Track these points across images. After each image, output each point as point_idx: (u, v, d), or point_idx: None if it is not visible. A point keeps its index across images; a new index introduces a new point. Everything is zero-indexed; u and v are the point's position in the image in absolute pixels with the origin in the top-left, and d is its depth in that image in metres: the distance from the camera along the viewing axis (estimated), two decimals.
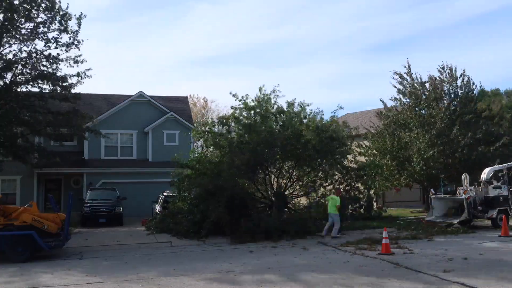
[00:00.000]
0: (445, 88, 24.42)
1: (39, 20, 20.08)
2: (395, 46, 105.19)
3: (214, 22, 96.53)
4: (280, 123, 19.62)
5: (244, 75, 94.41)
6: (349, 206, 21.47)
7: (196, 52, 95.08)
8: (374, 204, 23.18)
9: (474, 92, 24.73)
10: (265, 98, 19.56)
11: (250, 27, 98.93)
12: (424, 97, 24.42)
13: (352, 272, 9.76)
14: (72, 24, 20.62)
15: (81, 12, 20.78)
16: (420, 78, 24.95)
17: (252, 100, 19.65)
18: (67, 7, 20.51)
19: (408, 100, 25.17)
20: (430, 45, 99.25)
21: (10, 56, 19.94)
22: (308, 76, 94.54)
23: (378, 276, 9.25)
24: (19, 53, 20.16)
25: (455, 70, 24.55)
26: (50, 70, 20.39)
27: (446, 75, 24.58)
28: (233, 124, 19.81)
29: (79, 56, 20.91)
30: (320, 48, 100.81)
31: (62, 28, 20.43)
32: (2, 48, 19.74)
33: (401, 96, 25.57)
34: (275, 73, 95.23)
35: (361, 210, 21.39)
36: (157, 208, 21.85)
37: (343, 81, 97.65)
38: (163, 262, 11.68)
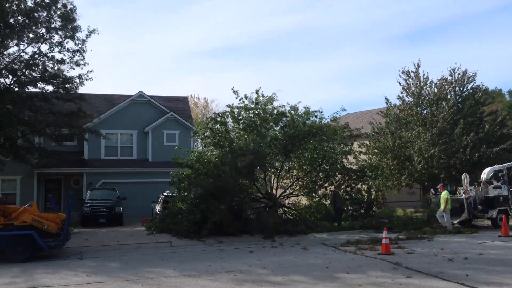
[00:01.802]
0: (454, 89, 24.35)
1: (52, 25, 20.24)
2: (416, 37, 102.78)
3: (219, 12, 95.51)
4: (281, 124, 19.71)
5: (249, 68, 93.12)
6: (349, 207, 21.57)
7: (200, 44, 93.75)
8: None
9: (481, 94, 24.65)
10: (263, 100, 19.63)
11: (257, 17, 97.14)
12: (428, 97, 24.39)
13: (352, 272, 9.76)
14: (82, 35, 20.90)
15: (97, 28, 21.06)
16: (427, 77, 24.94)
17: (252, 102, 19.71)
18: (78, 17, 20.78)
19: (411, 99, 25.17)
20: (452, 35, 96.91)
21: (14, 56, 20.07)
22: (319, 70, 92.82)
23: (378, 276, 9.25)
24: (23, 53, 20.30)
25: (466, 73, 24.44)
26: (54, 71, 20.49)
27: (456, 76, 24.45)
28: (230, 123, 19.88)
29: (82, 59, 21.09)
30: (335, 40, 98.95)
31: (69, 34, 20.53)
32: (4, 49, 19.79)
33: (404, 94, 25.59)
34: (286, 66, 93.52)
35: (362, 211, 21.42)
36: (157, 208, 21.86)
37: (357, 76, 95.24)
38: (163, 262, 11.67)
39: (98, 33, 20.97)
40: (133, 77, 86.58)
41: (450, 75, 24.56)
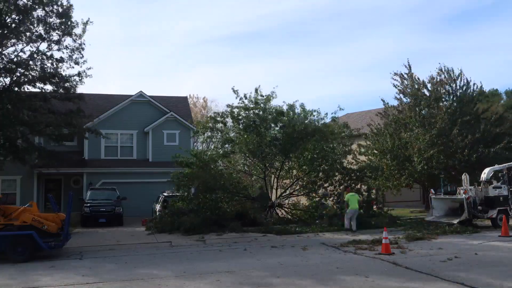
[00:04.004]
0: (446, 88, 24.43)
1: (49, 21, 20.19)
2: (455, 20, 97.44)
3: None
4: (281, 124, 19.76)
5: (262, 58, 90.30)
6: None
7: (209, 31, 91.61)
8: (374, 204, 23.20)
9: (474, 92, 24.73)
10: (262, 99, 19.69)
11: None
12: (424, 97, 24.44)
13: (352, 272, 9.76)
14: (78, 29, 20.84)
15: (88, 18, 20.94)
16: (419, 78, 25.04)
17: (251, 101, 19.76)
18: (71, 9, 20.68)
19: (408, 100, 25.20)
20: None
21: (12, 56, 20.06)
22: (345, 58, 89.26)
23: (378, 276, 9.24)
24: (21, 53, 20.29)
25: (453, 72, 24.60)
26: (53, 71, 20.47)
27: (445, 76, 24.60)
28: (230, 122, 20.00)
29: (81, 57, 21.07)
30: (366, 23, 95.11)
31: (66, 31, 20.51)
32: (4, 49, 19.79)
33: (402, 96, 25.62)
34: (309, 53, 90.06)
35: (361, 210, 21.40)
36: (157, 208, 21.88)
37: (389, 63, 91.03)
38: (163, 262, 11.67)
39: (92, 23, 20.84)
40: (136, 71, 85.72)
41: (439, 75, 24.65)
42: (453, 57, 79.71)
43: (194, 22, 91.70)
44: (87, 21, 20.77)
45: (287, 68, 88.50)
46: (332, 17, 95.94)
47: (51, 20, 20.22)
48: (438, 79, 24.49)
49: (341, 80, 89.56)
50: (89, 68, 21.30)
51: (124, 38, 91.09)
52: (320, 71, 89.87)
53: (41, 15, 20.02)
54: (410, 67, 25.09)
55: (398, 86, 25.59)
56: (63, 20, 20.23)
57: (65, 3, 20.31)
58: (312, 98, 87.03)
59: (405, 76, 25.25)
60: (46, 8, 19.91)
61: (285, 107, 20.23)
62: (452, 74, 24.49)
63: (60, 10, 20.17)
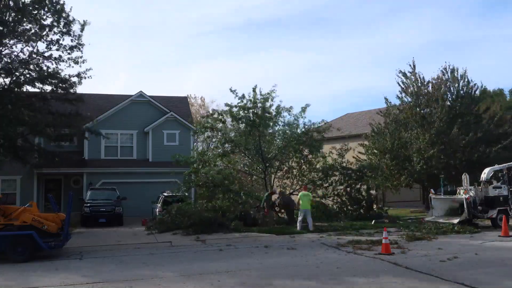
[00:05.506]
0: (447, 88, 24.43)
1: (45, 23, 20.13)
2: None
3: None
4: (280, 124, 19.92)
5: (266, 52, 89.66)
6: (349, 207, 21.60)
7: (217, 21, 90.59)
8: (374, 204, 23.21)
9: (476, 92, 24.74)
10: (262, 98, 19.77)
11: None
12: (426, 97, 24.43)
13: (352, 272, 9.76)
14: (76, 29, 20.77)
15: (85, 20, 20.90)
16: (423, 77, 25.02)
17: (249, 100, 19.83)
18: (71, 9, 20.65)
19: (409, 99, 25.18)
20: None
21: (11, 56, 20.00)
22: (373, 47, 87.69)
23: (378, 276, 9.25)
24: (20, 53, 20.25)
25: (457, 71, 24.60)
26: (52, 71, 20.42)
27: (448, 76, 24.58)
28: (230, 122, 20.10)
29: (80, 57, 21.01)
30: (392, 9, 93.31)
31: (65, 31, 20.48)
32: (3, 48, 19.76)
33: (404, 94, 25.61)
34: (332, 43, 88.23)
35: (361, 210, 21.43)
36: (157, 208, 21.90)
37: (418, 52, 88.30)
38: (163, 262, 11.67)
39: (89, 24, 20.84)
40: (137, 70, 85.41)
41: (443, 74, 24.61)
42: (460, 54, 78.67)
43: (194, 15, 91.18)
44: (85, 22, 20.74)
45: (288, 66, 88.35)
46: (349, 6, 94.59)
47: (49, 20, 20.21)
48: (440, 79, 24.46)
49: (341, 78, 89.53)
50: (89, 69, 21.28)
51: (125, 35, 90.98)
52: (322, 69, 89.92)
53: (40, 14, 19.97)
54: (414, 66, 25.06)
55: (404, 82, 25.52)
56: (64, 21, 20.19)
57: (65, 6, 20.29)
58: (313, 97, 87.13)
59: (408, 74, 25.22)
60: (44, 8, 19.85)
61: (285, 106, 20.44)
62: (455, 74, 24.45)
63: (60, 12, 20.11)
